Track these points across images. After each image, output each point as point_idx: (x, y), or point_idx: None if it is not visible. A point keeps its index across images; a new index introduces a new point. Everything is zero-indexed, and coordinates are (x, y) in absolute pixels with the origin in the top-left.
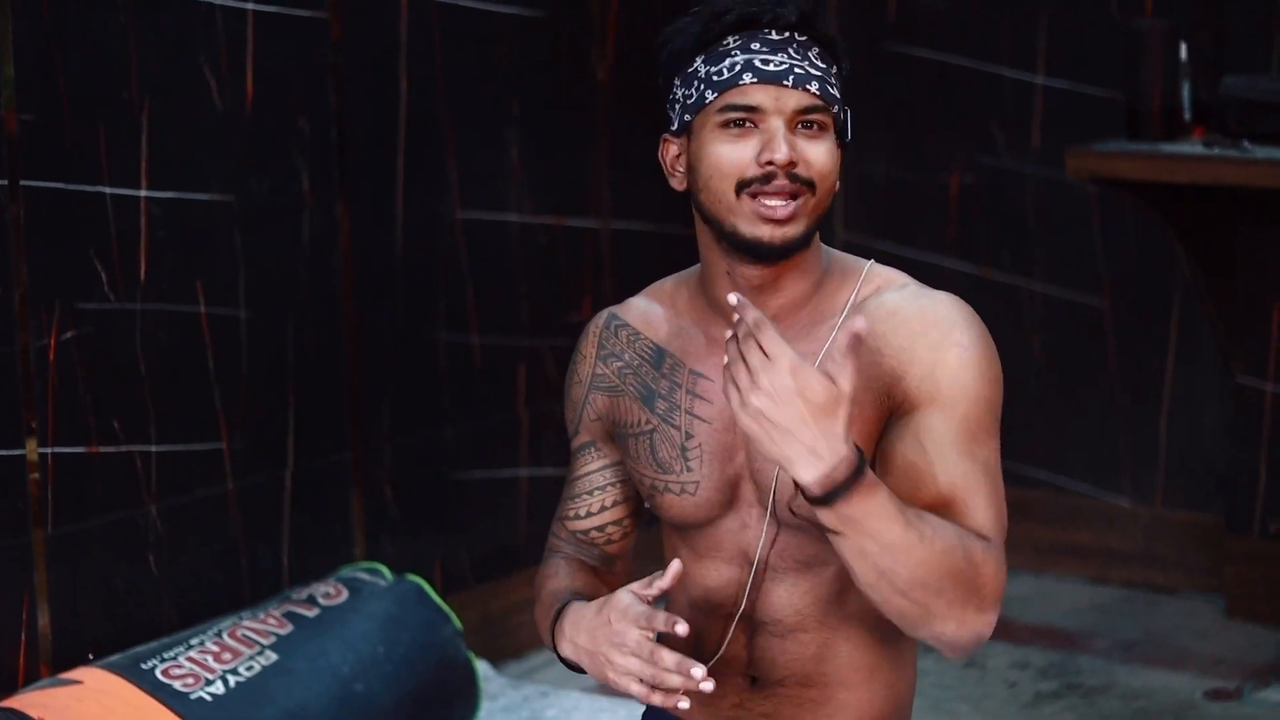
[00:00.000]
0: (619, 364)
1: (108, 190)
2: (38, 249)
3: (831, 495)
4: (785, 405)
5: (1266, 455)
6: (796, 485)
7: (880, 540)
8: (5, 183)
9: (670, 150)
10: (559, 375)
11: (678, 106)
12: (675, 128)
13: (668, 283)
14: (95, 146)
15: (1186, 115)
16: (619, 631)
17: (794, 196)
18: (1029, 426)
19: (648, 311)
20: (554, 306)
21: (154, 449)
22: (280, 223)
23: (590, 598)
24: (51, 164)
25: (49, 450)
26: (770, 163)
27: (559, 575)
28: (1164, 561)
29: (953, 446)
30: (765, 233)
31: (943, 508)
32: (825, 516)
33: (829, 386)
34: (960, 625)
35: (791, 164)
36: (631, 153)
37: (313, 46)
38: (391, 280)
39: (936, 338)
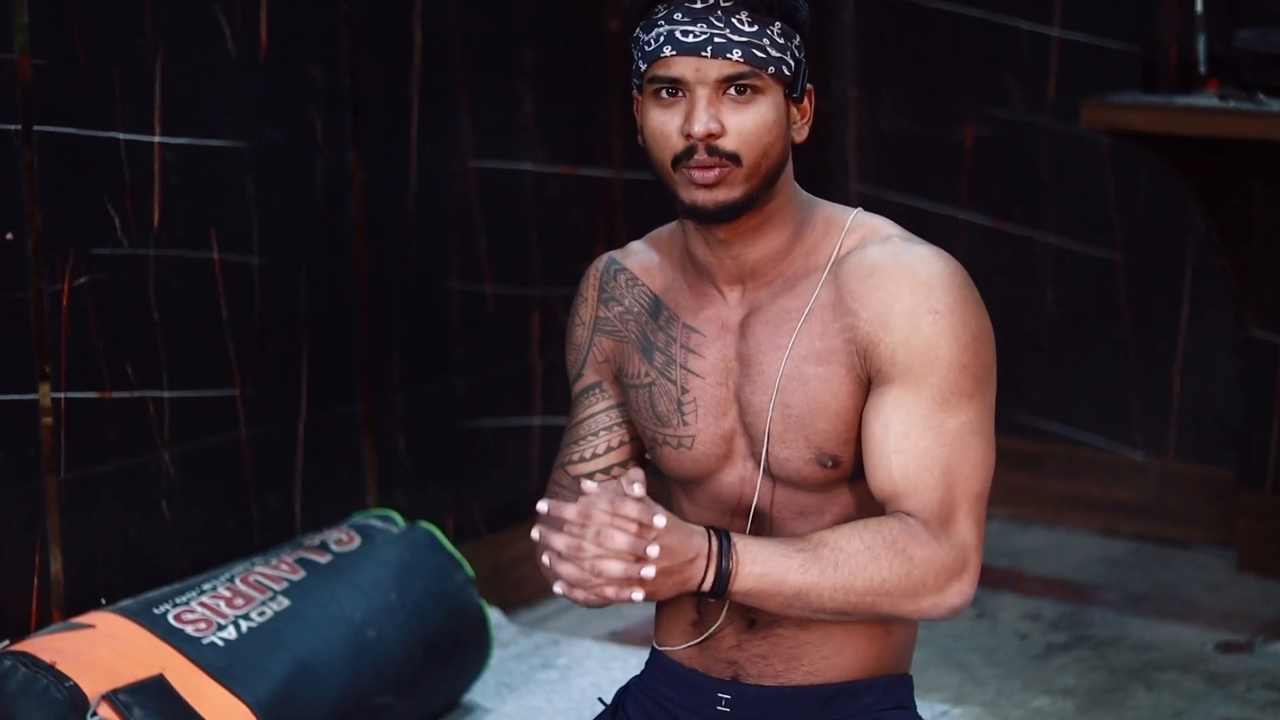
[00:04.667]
0: (619, 308)
1: (121, 136)
2: (51, 194)
3: (722, 577)
4: (667, 557)
5: (1279, 408)
6: (699, 593)
7: (787, 589)
8: (19, 128)
9: (638, 109)
10: (568, 325)
11: (633, 70)
12: (635, 89)
13: (664, 231)
14: (109, 92)
15: (1202, 68)
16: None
17: (719, 167)
18: (1041, 379)
19: (647, 259)
20: (567, 256)
21: (166, 395)
22: (293, 171)
23: None
24: (65, 109)
25: (62, 395)
26: (690, 135)
27: None
28: (1176, 515)
29: (919, 421)
30: (699, 197)
31: (892, 495)
32: (734, 597)
33: (645, 509)
34: (923, 612)
35: (710, 135)
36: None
37: None
38: (404, 229)
39: (912, 304)
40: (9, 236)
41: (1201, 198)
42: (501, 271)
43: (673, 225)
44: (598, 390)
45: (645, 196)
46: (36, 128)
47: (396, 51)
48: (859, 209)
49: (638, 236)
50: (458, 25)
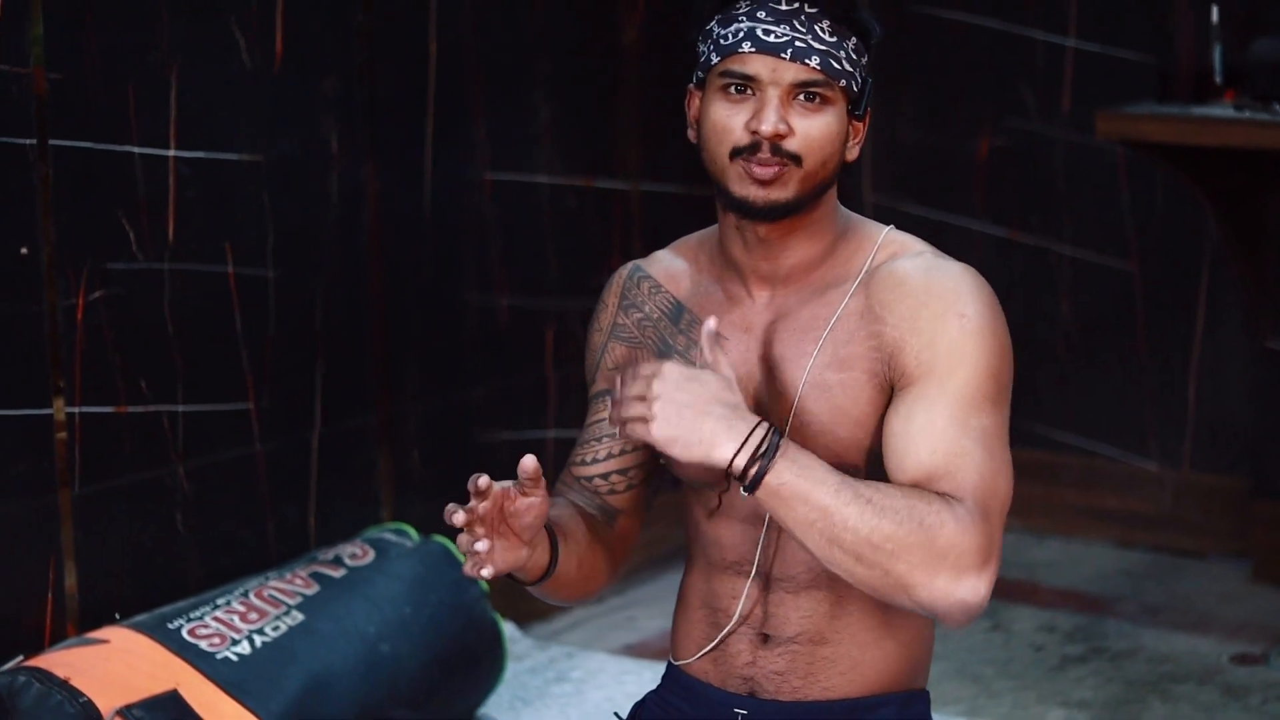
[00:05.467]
0: (639, 315)
1: (136, 150)
2: (66, 208)
3: (758, 462)
4: (686, 389)
5: None
6: (726, 474)
7: (814, 502)
8: (34, 142)
9: (693, 103)
10: (588, 330)
11: (698, 62)
12: (694, 82)
13: (693, 238)
14: (124, 106)
15: (1217, 78)
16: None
17: (779, 165)
18: (1057, 390)
19: (671, 266)
20: (582, 268)
21: (181, 409)
22: (308, 183)
23: (567, 527)
24: (80, 123)
25: (76, 410)
26: (756, 132)
27: (552, 505)
28: (1191, 525)
29: (944, 414)
30: (751, 193)
31: (925, 477)
32: (760, 492)
33: (716, 372)
34: (932, 592)
35: (778, 136)
36: (660, 114)
37: (342, 6)
38: (419, 241)
39: (939, 309)
40: (24, 251)
41: (1217, 208)
42: (516, 284)
43: (703, 232)
44: (607, 398)
45: (661, 208)
46: (51, 142)
47: (412, 63)
48: (891, 226)
49: (653, 248)
50: (473, 37)
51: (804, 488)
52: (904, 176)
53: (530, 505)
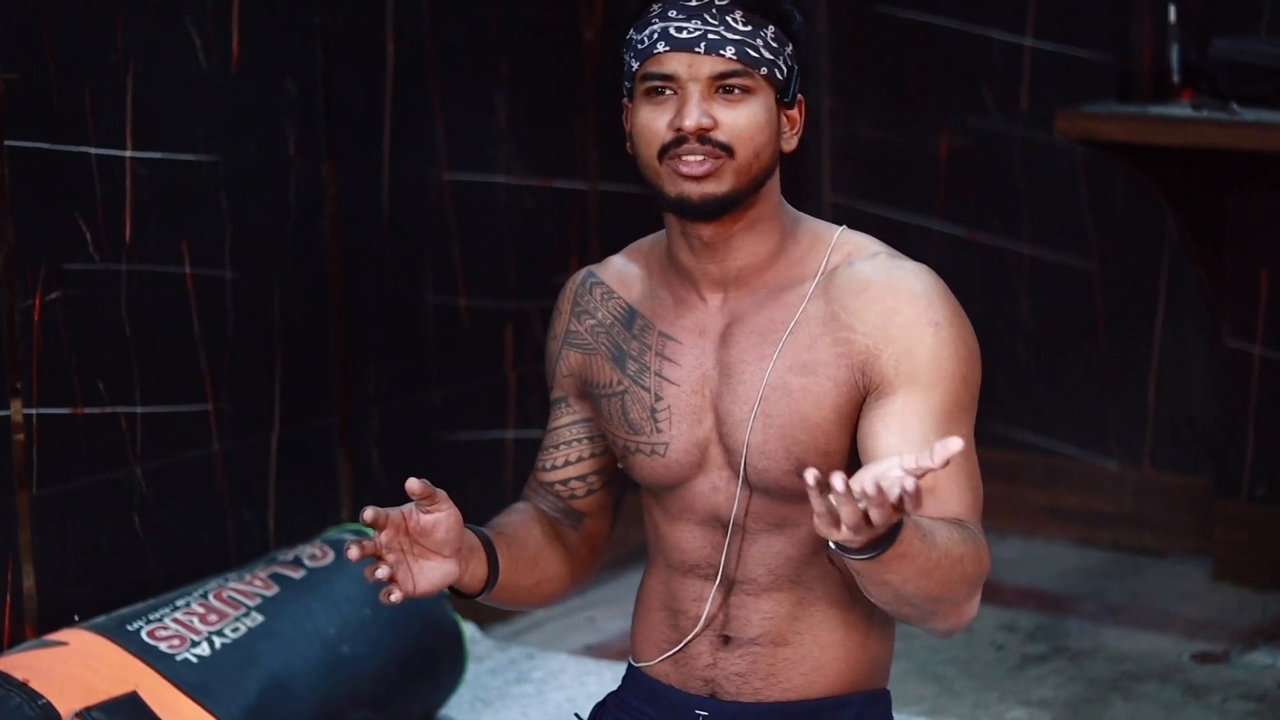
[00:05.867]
0: (591, 322)
1: (93, 151)
2: (23, 209)
3: (871, 549)
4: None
5: (1254, 418)
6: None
7: (900, 573)
8: None
9: (627, 115)
10: (546, 337)
11: (624, 73)
12: (625, 94)
13: (645, 242)
14: (81, 106)
15: (1175, 77)
16: None
17: (711, 158)
18: (1017, 389)
19: (624, 271)
20: (541, 268)
21: (139, 410)
22: (267, 184)
23: (513, 534)
24: (37, 124)
25: (34, 411)
26: (680, 129)
27: (507, 512)
28: (1152, 524)
29: (934, 430)
30: (686, 189)
31: (925, 495)
32: (855, 563)
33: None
34: (957, 620)
35: (702, 129)
36: (620, 115)
37: (300, 6)
38: (378, 242)
39: (912, 316)
40: None
41: (1176, 207)
42: (476, 284)
43: (654, 235)
44: (564, 404)
45: (620, 209)
46: (7, 142)
47: (370, 63)
48: (844, 226)
49: (612, 249)
50: (432, 37)
51: (895, 566)
52: (863, 176)
53: (435, 522)
